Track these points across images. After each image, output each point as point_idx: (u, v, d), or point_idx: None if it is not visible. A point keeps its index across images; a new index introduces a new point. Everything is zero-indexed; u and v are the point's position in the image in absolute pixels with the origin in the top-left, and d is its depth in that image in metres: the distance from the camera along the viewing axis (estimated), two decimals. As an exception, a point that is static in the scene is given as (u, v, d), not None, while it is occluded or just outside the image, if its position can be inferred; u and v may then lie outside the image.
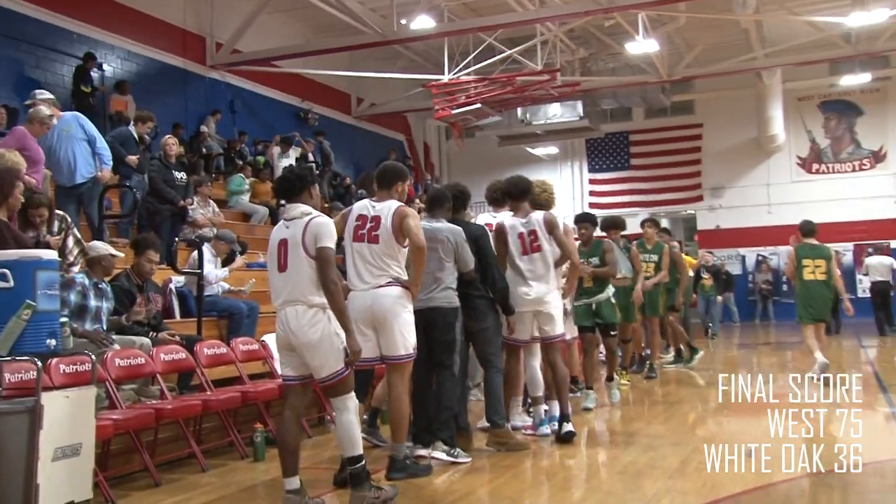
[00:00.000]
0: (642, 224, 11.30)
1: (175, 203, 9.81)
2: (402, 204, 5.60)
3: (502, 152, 23.78)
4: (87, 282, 6.39)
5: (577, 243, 8.07)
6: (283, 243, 4.79)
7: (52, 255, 4.65)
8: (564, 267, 7.29)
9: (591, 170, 25.75)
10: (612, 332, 8.60)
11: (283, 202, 5.27)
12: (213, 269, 8.49)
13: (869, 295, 18.11)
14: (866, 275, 18.42)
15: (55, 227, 6.55)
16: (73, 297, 6.23)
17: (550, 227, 6.74)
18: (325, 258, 4.68)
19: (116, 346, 6.11)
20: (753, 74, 20.87)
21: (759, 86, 21.29)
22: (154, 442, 6.09)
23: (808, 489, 5.08)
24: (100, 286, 6.51)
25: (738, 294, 23.58)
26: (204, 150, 15.64)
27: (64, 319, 4.64)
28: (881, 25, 17.72)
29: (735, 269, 24.00)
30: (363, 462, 4.86)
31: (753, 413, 8.52)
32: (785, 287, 22.60)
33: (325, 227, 4.75)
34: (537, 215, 6.81)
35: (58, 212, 6.73)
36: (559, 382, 6.77)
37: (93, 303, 6.36)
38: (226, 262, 9.34)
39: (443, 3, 17.51)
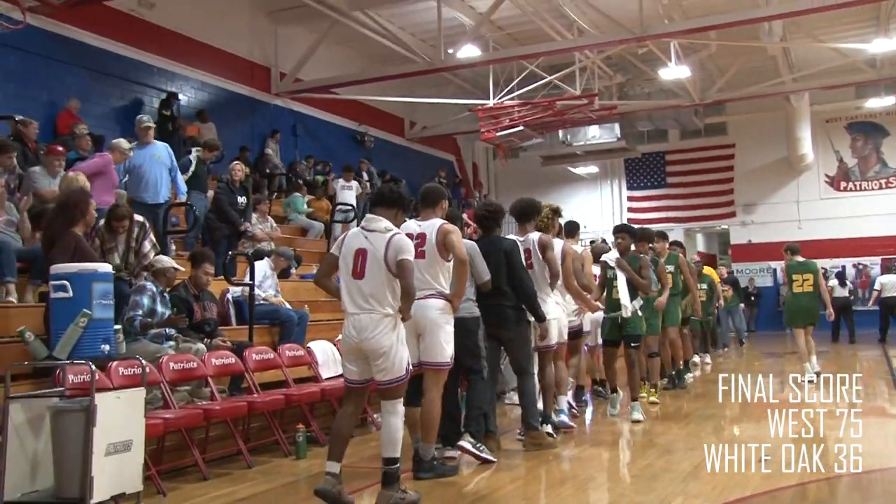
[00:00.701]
0: (652, 238, 10.30)
1: (236, 225, 9.97)
2: (445, 221, 5.66)
3: (546, 171, 23.68)
4: (155, 289, 6.53)
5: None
6: (362, 252, 4.81)
7: (107, 268, 4.75)
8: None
9: (630, 187, 25.47)
10: (633, 344, 7.93)
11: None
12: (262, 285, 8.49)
13: (878, 308, 18.58)
14: (878, 290, 18.48)
15: (134, 232, 6.74)
16: (146, 301, 6.37)
17: (543, 247, 6.92)
18: (407, 268, 4.77)
19: (170, 350, 6.20)
20: (782, 98, 20.44)
21: (787, 108, 20.84)
22: (205, 439, 6.17)
23: (815, 493, 4.90)
24: (164, 294, 6.63)
25: (767, 305, 23.10)
26: (268, 170, 15.88)
27: (118, 326, 4.70)
28: (903, 50, 17.33)
29: (767, 282, 23.55)
30: (398, 464, 4.88)
31: (765, 416, 8.37)
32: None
33: (406, 243, 4.88)
34: (533, 236, 6.98)
35: (137, 218, 6.93)
36: (545, 388, 6.86)
37: (159, 308, 6.48)
38: (282, 275, 9.48)
39: (487, 33, 17.57)
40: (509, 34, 18.28)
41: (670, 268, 10.08)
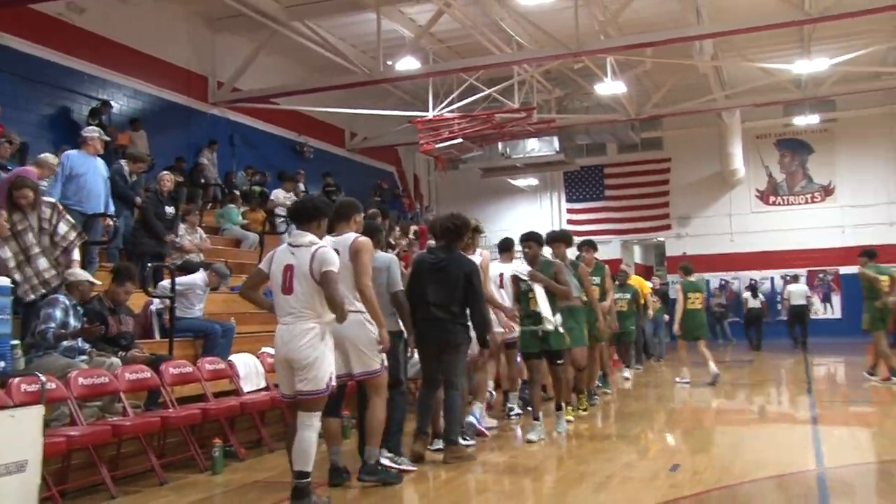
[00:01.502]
0: (579, 247, 10.01)
1: (160, 237, 9.75)
2: (359, 236, 5.65)
3: (486, 183, 23.80)
4: (68, 301, 6.33)
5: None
6: (290, 268, 4.88)
7: (4, 281, 4.58)
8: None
9: (569, 200, 25.73)
10: (558, 361, 7.41)
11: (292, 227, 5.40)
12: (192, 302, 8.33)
13: (786, 317, 20.22)
14: (787, 299, 20.00)
15: (46, 213, 6.52)
16: (58, 314, 6.16)
17: None
18: (331, 279, 4.81)
19: (82, 364, 6.01)
20: (715, 114, 20.90)
21: (720, 125, 21.30)
22: (117, 456, 5.99)
23: (719, 501, 4.98)
24: (77, 308, 6.43)
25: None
26: (203, 180, 15.62)
27: (15, 342, 4.53)
28: (826, 72, 18.00)
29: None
30: (309, 479, 4.86)
31: (691, 427, 8.49)
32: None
33: (331, 255, 4.93)
34: None
35: (47, 199, 6.72)
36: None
37: (72, 321, 6.29)
38: (213, 289, 9.29)
39: (427, 45, 17.60)
40: (449, 47, 18.35)
41: (596, 279, 9.63)
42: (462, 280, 6.47)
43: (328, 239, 5.60)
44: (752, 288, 21.50)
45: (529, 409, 7.80)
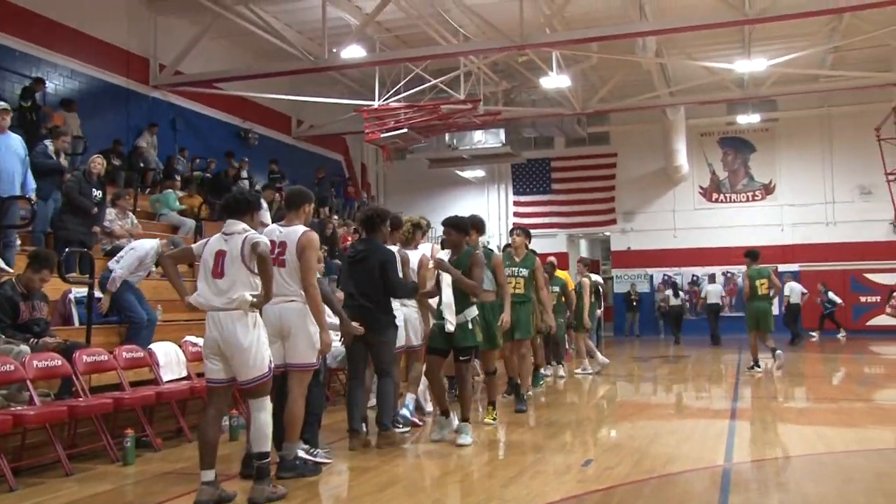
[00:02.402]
0: (510, 232, 9.21)
1: (88, 211, 9.52)
2: (308, 230, 5.67)
3: (433, 174, 23.78)
4: (-29, 289, 6.16)
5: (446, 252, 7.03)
6: (221, 253, 4.98)
7: None
8: None
9: (516, 192, 25.88)
10: (462, 357, 6.81)
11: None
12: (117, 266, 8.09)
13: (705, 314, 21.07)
14: (704, 297, 20.91)
15: None
16: (-42, 303, 6.00)
17: (404, 263, 7.18)
18: (262, 252, 4.89)
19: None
20: (660, 111, 21.16)
21: (665, 121, 21.60)
22: (21, 447, 5.86)
23: (622, 495, 5.02)
24: (-18, 294, 6.27)
25: (644, 311, 23.90)
26: (141, 164, 15.33)
27: None
28: (766, 73, 18.36)
29: (644, 288, 24.33)
30: (269, 459, 5.02)
31: (613, 422, 8.60)
32: (687, 305, 23.02)
33: (261, 238, 5.05)
34: (392, 248, 7.09)
35: None
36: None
37: (-25, 309, 6.13)
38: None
39: (374, 34, 17.49)
40: (397, 36, 18.26)
41: (524, 271, 8.95)
42: (377, 269, 6.58)
43: (274, 227, 5.70)
44: (674, 286, 22.18)
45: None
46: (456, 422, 6.86)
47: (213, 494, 4.81)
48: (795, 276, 22.66)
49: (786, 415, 8.83)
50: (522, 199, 25.74)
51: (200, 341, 7.95)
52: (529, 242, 9.33)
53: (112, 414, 6.52)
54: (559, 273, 12.57)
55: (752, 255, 12.67)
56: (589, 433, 7.62)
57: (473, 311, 6.83)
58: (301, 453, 5.87)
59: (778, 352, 12.65)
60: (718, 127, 24.02)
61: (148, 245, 8.24)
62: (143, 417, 6.74)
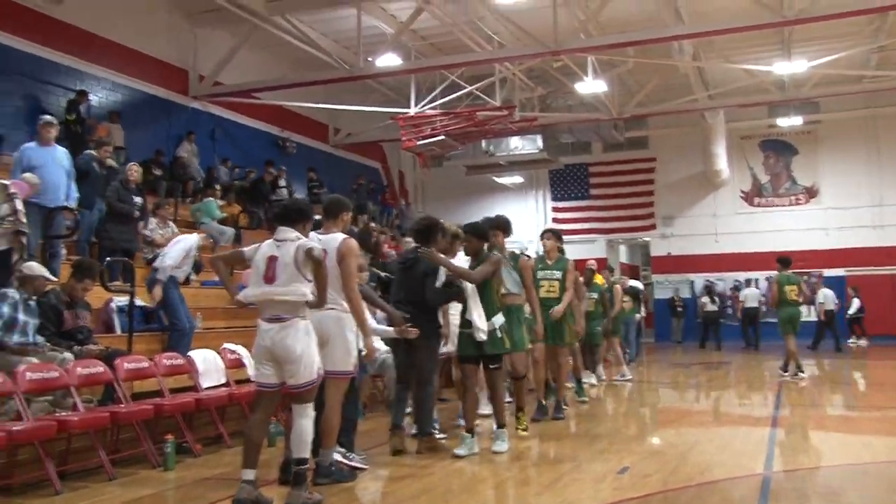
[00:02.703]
0: (541, 236, 8.89)
1: (129, 216, 9.77)
2: (347, 237, 5.73)
3: (470, 180, 23.77)
4: (17, 296, 6.33)
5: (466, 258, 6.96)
6: (273, 259, 5.06)
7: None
8: None
9: (554, 198, 25.77)
10: (492, 365, 6.72)
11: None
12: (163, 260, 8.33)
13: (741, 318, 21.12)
14: (742, 301, 21.00)
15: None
16: (5, 310, 6.18)
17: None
18: (315, 257, 5.01)
19: (33, 359, 6.02)
20: (699, 114, 20.95)
21: (704, 125, 21.36)
22: (66, 451, 6.01)
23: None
24: (28, 302, 6.44)
25: (689, 317, 23.58)
26: (182, 173, 15.60)
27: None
28: (807, 74, 18.10)
29: (685, 294, 24.03)
30: (307, 465, 5.10)
31: (651, 429, 8.54)
32: (730, 311, 22.74)
33: (314, 244, 5.14)
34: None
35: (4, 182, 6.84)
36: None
37: (21, 316, 6.29)
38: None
39: (409, 42, 17.61)
40: (431, 44, 18.36)
41: (557, 273, 8.64)
42: (423, 277, 6.73)
43: (313, 235, 5.70)
44: (710, 291, 21.97)
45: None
46: (476, 446, 6.67)
47: (251, 493, 4.90)
48: (841, 281, 22.26)
49: (829, 423, 8.69)
50: (561, 204, 25.64)
51: (239, 349, 8.19)
52: (561, 244, 8.96)
53: (153, 420, 6.65)
54: (598, 279, 12.49)
55: (784, 261, 12.79)
56: (626, 441, 7.57)
57: (500, 319, 6.73)
58: (338, 457, 5.96)
59: (802, 373, 12.67)
60: (759, 130, 23.66)
61: (192, 239, 8.61)
62: (183, 423, 6.87)
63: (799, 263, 22.19)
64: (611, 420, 8.99)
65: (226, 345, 8.16)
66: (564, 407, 8.90)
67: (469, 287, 6.63)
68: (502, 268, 7.01)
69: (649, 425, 8.94)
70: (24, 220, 6.61)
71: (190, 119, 17.02)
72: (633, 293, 15.81)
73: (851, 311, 20.95)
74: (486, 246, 7.00)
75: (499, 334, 6.68)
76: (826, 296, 19.99)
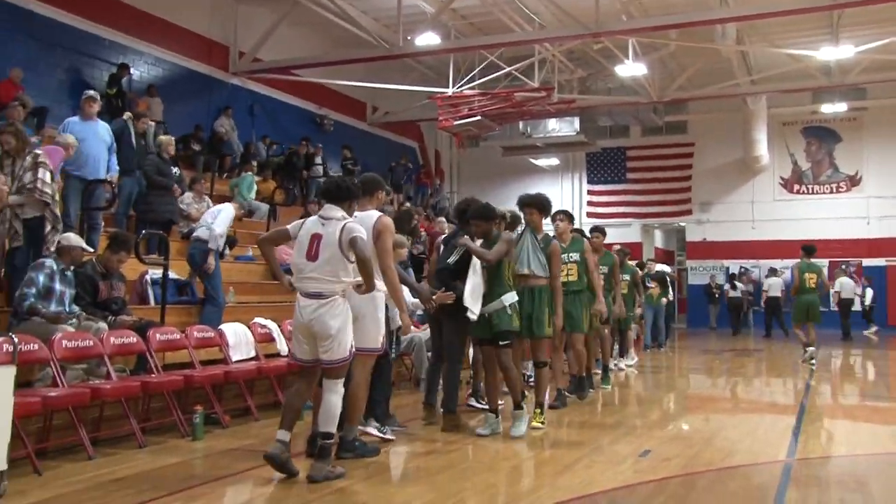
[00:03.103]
0: (552, 218, 8.13)
1: (169, 188, 9.96)
2: (382, 216, 5.74)
3: (507, 161, 23.74)
4: (55, 266, 6.49)
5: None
6: (317, 237, 5.11)
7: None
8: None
9: (590, 181, 25.63)
10: (501, 342, 6.48)
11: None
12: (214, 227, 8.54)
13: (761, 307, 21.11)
14: (766, 291, 20.68)
15: (27, 161, 6.73)
16: (41, 279, 6.32)
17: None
18: (359, 244, 5.05)
19: (68, 328, 6.18)
20: (741, 99, 20.61)
21: (745, 110, 21.03)
22: (99, 419, 6.17)
23: (675, 487, 5.00)
24: (65, 273, 6.59)
25: (723, 303, 23.31)
26: (223, 148, 15.76)
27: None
28: (854, 60, 17.66)
29: (719, 280, 23.76)
30: (333, 440, 5.19)
31: (676, 414, 8.51)
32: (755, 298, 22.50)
33: (359, 228, 5.18)
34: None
35: (37, 151, 6.97)
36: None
37: (58, 286, 6.44)
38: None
39: (449, 21, 17.55)
40: (471, 23, 18.29)
41: (575, 256, 8.21)
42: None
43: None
44: (731, 277, 21.74)
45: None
46: (500, 426, 6.63)
47: (283, 452, 5.03)
48: (881, 271, 21.85)
49: (858, 412, 8.59)
50: (596, 188, 25.49)
51: (269, 323, 8.32)
52: (573, 225, 8.61)
53: (183, 391, 6.78)
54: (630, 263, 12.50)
55: (808, 249, 12.78)
56: (649, 425, 7.56)
57: (511, 297, 6.54)
58: (373, 430, 6.19)
59: (811, 348, 12.69)
60: (802, 116, 23.22)
61: (231, 210, 8.92)
62: (212, 395, 6.99)
63: (837, 252, 22.08)
64: (635, 404, 8.98)
65: (256, 319, 8.27)
66: (591, 390, 8.94)
67: (475, 265, 6.50)
68: (530, 247, 6.97)
69: (674, 410, 8.92)
70: (48, 190, 6.68)
71: (229, 95, 17.21)
72: (659, 278, 15.64)
73: (867, 301, 20.96)
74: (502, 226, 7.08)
75: (508, 312, 6.51)
76: (843, 284, 20.02)
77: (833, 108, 21.33)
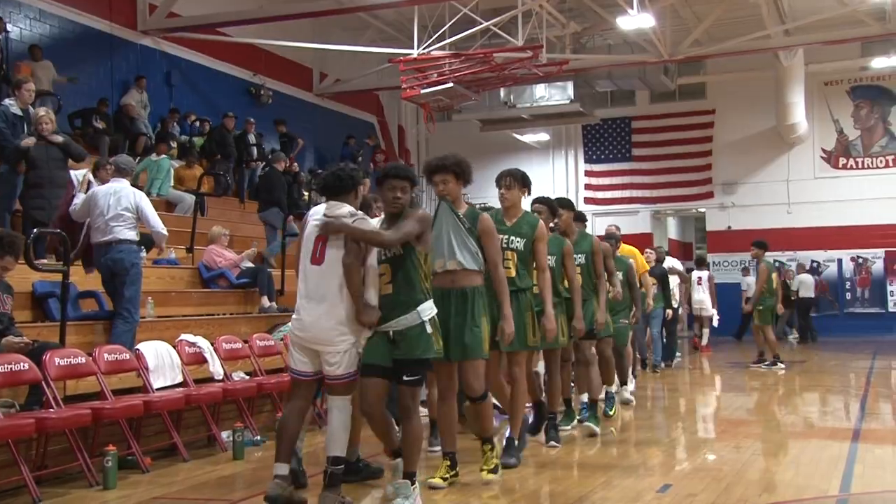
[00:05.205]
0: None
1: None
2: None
3: (486, 138, 23.73)
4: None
5: None
6: (322, 238, 5.44)
7: None
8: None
9: (588, 160, 25.77)
10: (406, 377, 5.53)
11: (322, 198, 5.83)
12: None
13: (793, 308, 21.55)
14: (797, 290, 21.40)
15: None
16: None
17: None
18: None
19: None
20: (771, 55, 20.72)
21: (777, 68, 21.14)
22: (-21, 468, 6.04)
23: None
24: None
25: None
26: (130, 127, 15.56)
27: None
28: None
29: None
30: (342, 465, 5.45)
31: (702, 441, 8.54)
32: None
33: (368, 223, 5.56)
34: None
35: None
36: None
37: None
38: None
39: (415, -35, 17.48)
40: (440, -33, 18.21)
41: (518, 242, 6.81)
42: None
43: (318, 209, 5.71)
44: (746, 272, 22.06)
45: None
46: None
47: (284, 489, 5.29)
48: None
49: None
50: (596, 167, 25.61)
51: (199, 340, 8.23)
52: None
53: (90, 428, 6.69)
54: (624, 249, 11.26)
55: (764, 245, 14.81)
56: (669, 453, 7.63)
57: (430, 309, 5.53)
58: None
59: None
60: (849, 73, 23.35)
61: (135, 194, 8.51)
62: (129, 432, 6.90)
63: (894, 241, 22.34)
64: (651, 428, 9.03)
65: (183, 336, 8.22)
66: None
67: (368, 262, 5.47)
68: (451, 230, 6.00)
69: (698, 436, 8.96)
70: None
71: (139, 60, 16.98)
72: (659, 275, 14.42)
73: None
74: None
75: (428, 330, 5.47)
76: (802, 282, 21.45)
77: (888, 62, 21.32)
